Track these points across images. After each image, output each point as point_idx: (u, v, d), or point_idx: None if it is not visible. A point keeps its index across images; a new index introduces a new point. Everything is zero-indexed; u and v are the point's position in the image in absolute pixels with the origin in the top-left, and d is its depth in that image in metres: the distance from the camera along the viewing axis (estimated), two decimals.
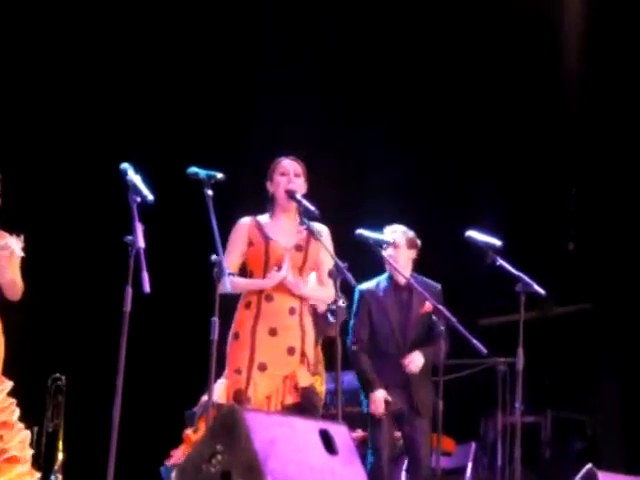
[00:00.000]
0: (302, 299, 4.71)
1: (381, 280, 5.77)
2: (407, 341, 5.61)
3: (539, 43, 7.95)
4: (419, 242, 5.80)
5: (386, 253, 5.57)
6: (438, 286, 5.72)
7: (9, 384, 4.57)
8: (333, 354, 4.73)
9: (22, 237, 4.52)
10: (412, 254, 5.78)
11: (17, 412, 4.56)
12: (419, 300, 5.55)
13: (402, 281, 5.63)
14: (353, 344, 5.67)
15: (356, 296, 5.75)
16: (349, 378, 6.26)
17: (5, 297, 4.66)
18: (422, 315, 5.55)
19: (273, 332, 4.63)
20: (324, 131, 7.84)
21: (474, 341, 4.99)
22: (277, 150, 7.61)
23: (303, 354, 4.66)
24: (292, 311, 4.66)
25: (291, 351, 4.63)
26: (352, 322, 5.71)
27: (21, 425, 4.57)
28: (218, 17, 7.76)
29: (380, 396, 5.52)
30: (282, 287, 4.66)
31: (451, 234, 5.71)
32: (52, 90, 7.43)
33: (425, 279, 5.74)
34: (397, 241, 5.71)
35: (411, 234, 5.79)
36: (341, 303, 4.95)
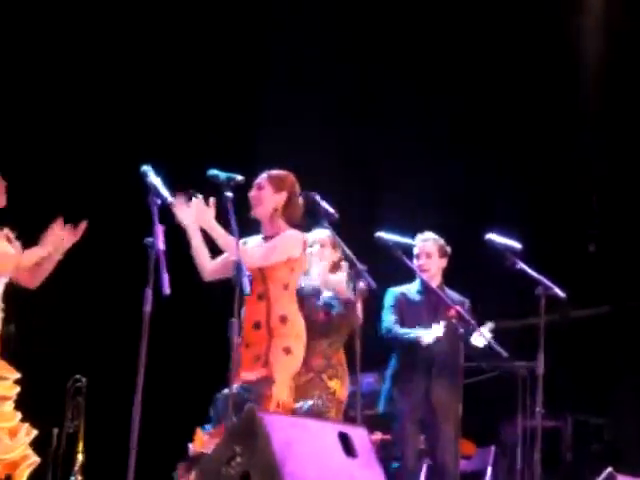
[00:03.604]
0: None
1: (412, 285, 5.79)
2: (433, 345, 5.60)
3: (560, 41, 7.92)
4: (449, 250, 5.81)
5: (417, 263, 5.60)
6: (466, 300, 5.73)
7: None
8: (352, 357, 4.73)
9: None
10: (443, 263, 5.80)
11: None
12: (445, 305, 5.55)
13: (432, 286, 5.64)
14: (385, 331, 5.67)
15: (388, 296, 5.76)
16: (367, 380, 6.27)
17: (27, 285, 4.67)
18: (448, 320, 5.55)
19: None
20: (341, 133, 7.84)
21: (494, 345, 4.98)
22: (292, 152, 7.65)
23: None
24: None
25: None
26: (384, 317, 5.72)
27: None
28: (231, 20, 7.78)
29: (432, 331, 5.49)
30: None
31: (471, 237, 5.70)
32: (74, 93, 7.46)
33: (453, 293, 5.75)
34: (429, 251, 5.72)
35: (442, 242, 5.80)
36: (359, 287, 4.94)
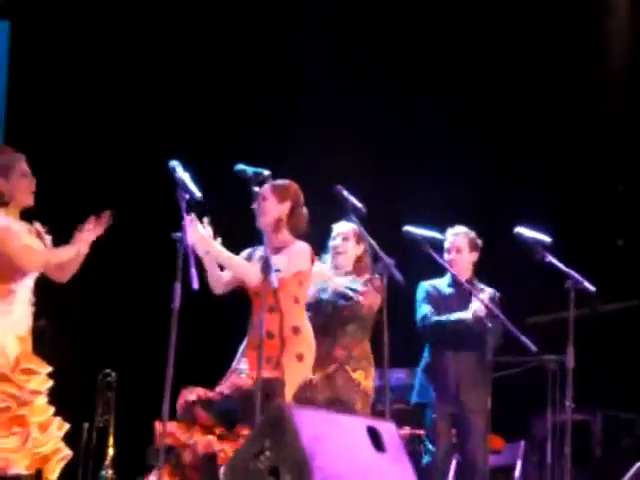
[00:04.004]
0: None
1: (443, 279, 5.78)
2: (463, 338, 5.60)
3: (587, 39, 7.87)
4: (480, 243, 5.79)
5: (447, 257, 5.59)
6: (497, 293, 5.72)
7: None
8: (381, 351, 4.73)
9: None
10: (474, 257, 5.79)
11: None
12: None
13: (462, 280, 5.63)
14: (422, 320, 5.68)
15: (419, 290, 5.76)
16: (397, 375, 6.26)
17: (57, 280, 4.71)
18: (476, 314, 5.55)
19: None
20: (370, 129, 7.83)
21: (523, 338, 4.96)
22: (321, 147, 7.64)
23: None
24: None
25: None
26: (419, 309, 5.74)
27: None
28: (262, 17, 7.79)
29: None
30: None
31: (500, 231, 5.68)
32: (103, 89, 7.50)
33: (484, 286, 5.74)
34: (460, 245, 5.71)
35: (472, 235, 5.78)
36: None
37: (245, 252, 4.87)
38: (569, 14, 7.84)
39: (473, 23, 7.92)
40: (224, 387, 4.59)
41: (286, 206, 4.78)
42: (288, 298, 4.67)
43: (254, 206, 4.72)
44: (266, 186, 4.69)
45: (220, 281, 4.79)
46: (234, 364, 4.77)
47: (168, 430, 4.32)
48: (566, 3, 7.90)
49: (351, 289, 5.21)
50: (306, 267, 4.74)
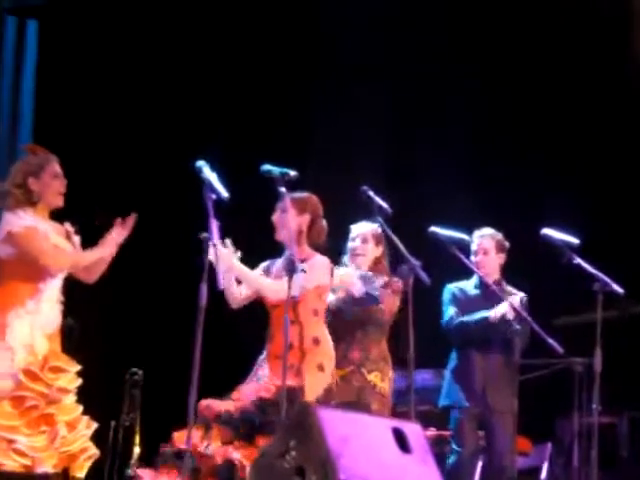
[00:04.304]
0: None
1: (469, 281, 5.77)
2: (488, 341, 5.57)
3: (620, 42, 7.83)
4: (507, 244, 5.77)
5: (474, 259, 5.58)
6: (524, 296, 5.69)
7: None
8: (406, 351, 4.72)
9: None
10: (501, 258, 5.76)
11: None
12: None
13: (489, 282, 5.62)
14: (448, 322, 5.66)
15: (445, 292, 5.76)
16: (423, 376, 6.25)
17: (85, 280, 4.74)
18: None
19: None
20: (396, 128, 7.82)
21: (550, 341, 4.93)
22: (347, 147, 7.63)
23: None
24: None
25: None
26: (445, 312, 5.73)
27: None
28: (286, 19, 7.79)
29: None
30: None
31: (527, 232, 5.65)
32: (130, 90, 7.53)
33: (512, 288, 5.71)
34: (487, 247, 5.69)
35: (500, 237, 5.76)
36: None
37: (263, 265, 4.90)
38: (602, 20, 7.79)
39: (504, 21, 7.88)
40: (242, 396, 4.58)
41: (305, 218, 4.80)
42: (307, 311, 4.70)
43: (274, 218, 4.74)
44: (285, 199, 4.68)
45: (237, 296, 4.83)
46: (253, 372, 4.77)
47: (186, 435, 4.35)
48: (598, 10, 7.84)
49: (369, 294, 5.20)
50: (326, 281, 4.78)
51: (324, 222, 4.87)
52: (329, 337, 4.81)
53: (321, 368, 4.65)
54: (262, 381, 4.64)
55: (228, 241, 4.62)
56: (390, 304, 5.18)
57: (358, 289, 5.17)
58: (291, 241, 4.49)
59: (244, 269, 4.68)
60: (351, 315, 5.17)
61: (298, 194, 4.82)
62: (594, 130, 7.89)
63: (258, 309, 5.08)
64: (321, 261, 4.76)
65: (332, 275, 4.85)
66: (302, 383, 4.54)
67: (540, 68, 7.89)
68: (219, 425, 4.45)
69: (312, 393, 4.58)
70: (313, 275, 4.67)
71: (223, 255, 4.51)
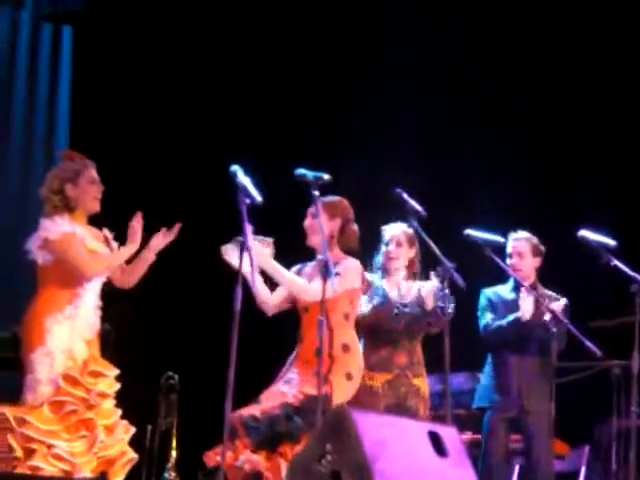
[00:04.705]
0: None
1: (506, 285, 5.74)
2: (525, 343, 5.54)
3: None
4: (543, 249, 5.73)
5: (510, 262, 5.55)
6: (563, 300, 5.65)
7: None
8: (442, 355, 4.71)
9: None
10: (536, 262, 5.73)
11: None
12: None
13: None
14: (485, 328, 5.64)
15: (481, 298, 5.74)
16: (458, 380, 6.22)
17: (121, 287, 4.77)
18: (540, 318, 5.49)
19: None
20: (430, 129, 7.79)
21: (588, 343, 4.90)
22: (380, 149, 7.60)
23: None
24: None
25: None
26: (481, 318, 5.71)
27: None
28: (320, 22, 7.80)
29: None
30: None
31: (564, 234, 5.61)
32: (166, 95, 7.57)
33: (549, 292, 5.68)
34: (522, 250, 5.66)
35: (535, 241, 5.72)
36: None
37: (294, 268, 4.89)
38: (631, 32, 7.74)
39: (536, 32, 7.84)
40: (269, 400, 4.56)
41: (337, 223, 4.80)
42: (338, 315, 4.69)
43: (305, 223, 4.74)
44: (317, 203, 4.63)
45: (270, 302, 4.83)
46: (282, 372, 4.76)
47: (213, 452, 4.36)
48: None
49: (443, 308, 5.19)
50: (357, 284, 4.76)
51: (355, 226, 4.86)
52: (359, 344, 4.81)
53: (349, 377, 4.64)
54: (290, 385, 4.62)
55: (271, 241, 4.61)
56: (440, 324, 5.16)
57: (431, 301, 5.17)
58: (324, 246, 4.47)
59: (281, 269, 4.67)
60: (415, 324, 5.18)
61: (329, 198, 4.81)
62: (631, 130, 7.83)
63: (293, 312, 5.09)
64: (353, 265, 4.75)
65: (363, 279, 4.83)
66: (330, 391, 4.51)
67: (573, 69, 7.84)
68: (244, 432, 4.44)
69: (338, 402, 4.54)
70: (345, 279, 4.66)
71: (261, 254, 4.52)
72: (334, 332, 4.65)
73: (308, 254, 4.93)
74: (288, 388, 4.59)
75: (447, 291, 5.15)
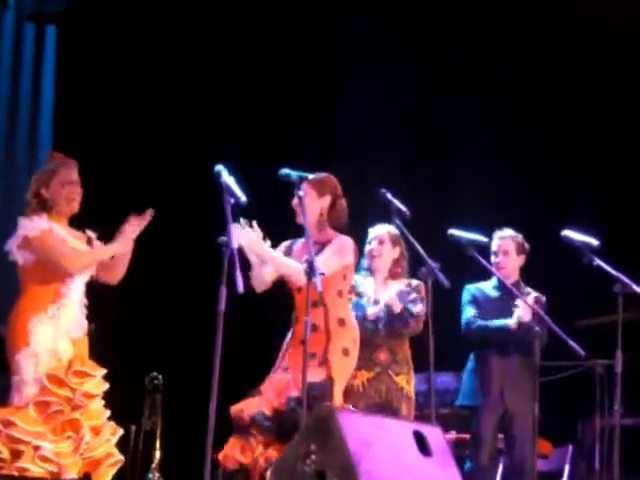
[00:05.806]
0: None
1: (488, 282, 5.76)
2: (508, 341, 5.56)
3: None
4: (528, 246, 5.75)
5: (494, 260, 5.57)
6: (542, 297, 5.67)
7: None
8: (426, 354, 4.71)
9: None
10: (521, 260, 5.75)
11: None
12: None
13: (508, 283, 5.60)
14: (467, 325, 5.65)
15: (465, 293, 5.75)
16: (442, 379, 6.23)
17: (108, 282, 4.75)
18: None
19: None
20: (416, 129, 7.80)
21: (571, 343, 4.91)
22: (364, 149, 7.60)
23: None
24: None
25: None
26: (464, 313, 5.72)
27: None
28: (305, 21, 7.79)
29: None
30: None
31: (547, 234, 5.62)
32: (149, 94, 7.55)
33: (530, 290, 5.69)
34: (507, 248, 5.68)
35: (520, 239, 5.75)
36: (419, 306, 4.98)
37: (284, 245, 4.86)
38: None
39: (530, 31, 7.87)
40: (272, 389, 4.56)
41: (326, 200, 4.77)
42: (332, 292, 4.66)
43: (294, 203, 4.71)
44: (303, 183, 4.61)
45: (264, 281, 4.78)
46: (279, 359, 4.75)
47: (228, 453, 4.35)
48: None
49: (409, 311, 5.20)
50: (350, 261, 4.73)
51: (344, 202, 4.83)
52: (354, 318, 4.78)
53: (346, 352, 4.61)
54: (289, 372, 4.59)
55: (255, 225, 4.60)
56: (422, 318, 5.17)
57: (397, 305, 5.18)
58: (309, 248, 4.45)
59: (273, 252, 4.65)
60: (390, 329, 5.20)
61: (316, 176, 4.78)
62: (614, 131, 7.86)
63: (276, 311, 5.09)
64: (344, 241, 4.72)
65: (356, 256, 4.81)
66: (329, 373, 4.51)
67: (569, 75, 7.87)
68: (256, 429, 4.44)
69: (340, 381, 4.54)
70: (339, 256, 4.64)
71: (252, 238, 4.50)
72: (329, 309, 4.63)
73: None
74: (289, 377, 4.56)
75: (414, 295, 5.18)
